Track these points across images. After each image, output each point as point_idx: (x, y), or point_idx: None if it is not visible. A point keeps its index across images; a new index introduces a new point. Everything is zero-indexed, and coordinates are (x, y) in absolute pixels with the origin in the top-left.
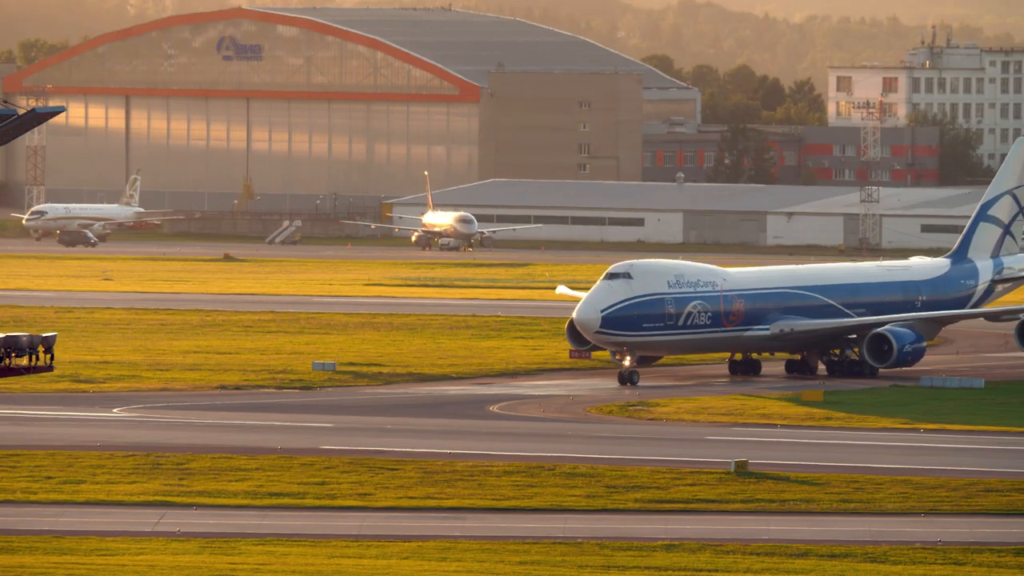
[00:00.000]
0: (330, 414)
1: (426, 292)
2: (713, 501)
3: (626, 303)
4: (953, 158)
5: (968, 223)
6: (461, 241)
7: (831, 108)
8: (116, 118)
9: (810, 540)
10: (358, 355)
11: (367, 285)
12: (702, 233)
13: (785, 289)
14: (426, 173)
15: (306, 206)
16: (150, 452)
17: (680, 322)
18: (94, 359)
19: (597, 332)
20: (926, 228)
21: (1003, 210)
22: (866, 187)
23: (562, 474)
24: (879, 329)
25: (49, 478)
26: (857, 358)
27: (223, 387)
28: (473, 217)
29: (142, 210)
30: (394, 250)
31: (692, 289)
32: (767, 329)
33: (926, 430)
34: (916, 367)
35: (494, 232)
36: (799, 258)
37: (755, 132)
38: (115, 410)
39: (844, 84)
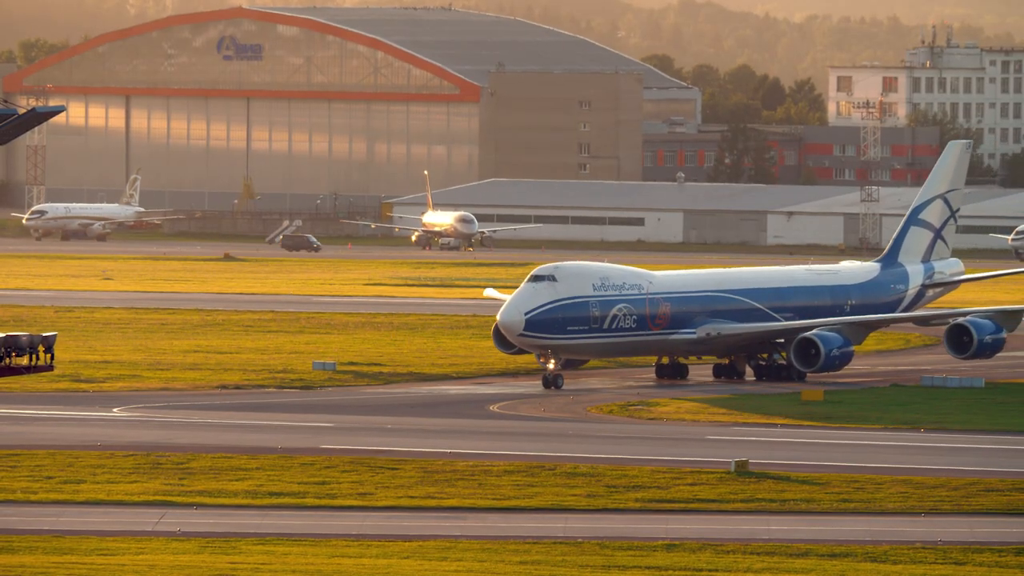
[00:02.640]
0: (330, 414)
1: (426, 292)
2: (713, 501)
3: (550, 306)
4: None
5: (899, 227)
6: (461, 241)
7: (831, 108)
8: (116, 118)
9: (810, 540)
10: (358, 355)
11: (367, 285)
12: (702, 233)
13: (712, 292)
14: (426, 173)
15: (306, 206)
16: (150, 452)
17: (605, 325)
18: (94, 359)
19: (521, 335)
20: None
21: (934, 214)
22: (866, 187)
23: (562, 474)
24: (807, 333)
25: (49, 478)
26: (785, 362)
27: (223, 387)
28: (473, 217)
29: (142, 210)
30: (394, 250)
31: (618, 292)
32: (694, 333)
33: (926, 430)
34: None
35: (494, 232)
36: (800, 257)
37: (755, 132)
38: (115, 410)
39: (844, 84)
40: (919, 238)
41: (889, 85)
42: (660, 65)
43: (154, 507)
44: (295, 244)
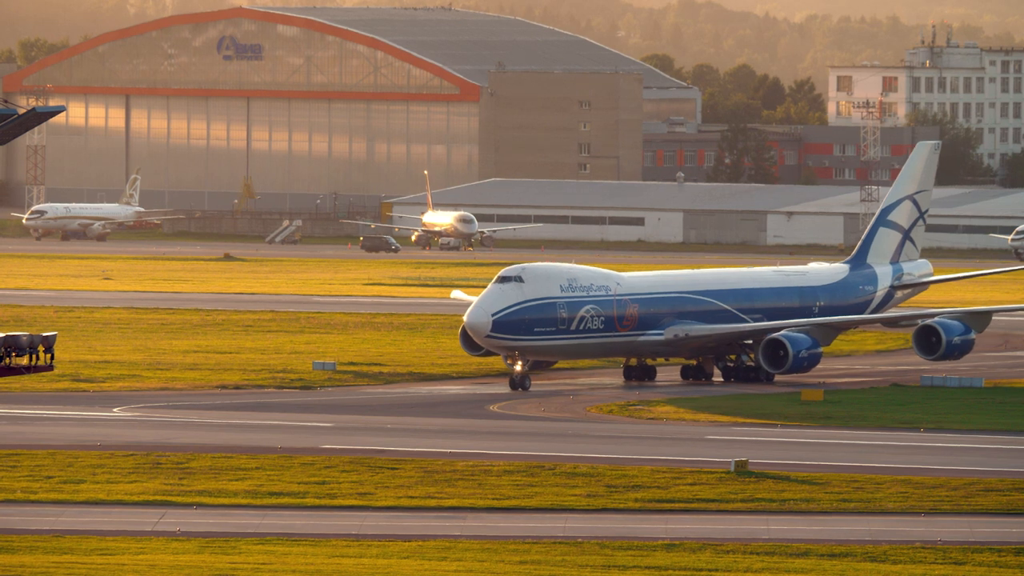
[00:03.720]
0: (330, 414)
1: (426, 292)
2: (713, 501)
3: (518, 307)
4: (953, 158)
5: (867, 228)
6: (461, 241)
7: (831, 108)
8: (116, 118)
9: (810, 540)
10: (358, 355)
11: (367, 285)
12: (702, 232)
13: (680, 294)
14: (426, 173)
15: (306, 205)
16: (150, 452)
17: (573, 326)
18: (94, 359)
19: (488, 336)
20: (926, 228)
21: (903, 215)
22: (866, 186)
23: (562, 473)
24: (775, 335)
25: (49, 478)
26: (753, 364)
27: (223, 387)
28: (473, 217)
29: (142, 209)
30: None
31: (585, 293)
32: (661, 334)
33: (926, 430)
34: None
35: (494, 232)
36: (800, 257)
37: (755, 132)
38: (115, 410)
39: (844, 84)
40: (888, 239)
41: (889, 85)
42: (660, 65)
43: (154, 507)
44: (374, 245)
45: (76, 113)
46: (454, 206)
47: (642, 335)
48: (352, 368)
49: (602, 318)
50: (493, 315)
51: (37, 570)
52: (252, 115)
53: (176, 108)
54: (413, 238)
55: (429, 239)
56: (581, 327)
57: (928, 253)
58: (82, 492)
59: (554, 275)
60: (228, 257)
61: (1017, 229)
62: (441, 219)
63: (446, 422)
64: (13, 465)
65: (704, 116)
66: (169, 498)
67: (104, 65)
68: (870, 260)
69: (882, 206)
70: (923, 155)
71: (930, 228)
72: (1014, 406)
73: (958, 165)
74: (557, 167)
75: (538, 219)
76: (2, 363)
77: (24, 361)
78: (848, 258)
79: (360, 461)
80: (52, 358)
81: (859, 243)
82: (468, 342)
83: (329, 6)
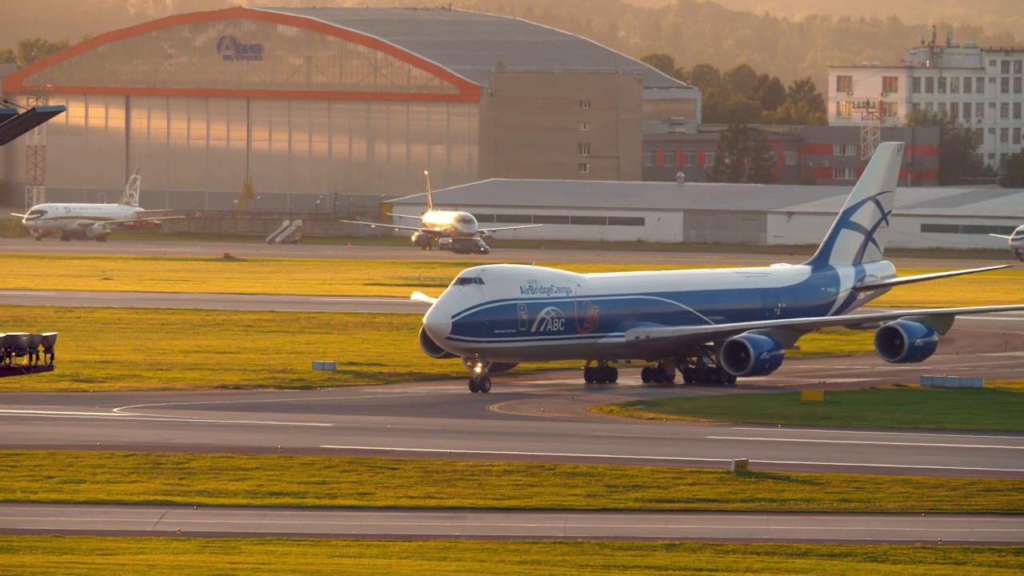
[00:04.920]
0: (330, 414)
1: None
2: (713, 501)
3: (477, 309)
4: (953, 158)
5: (830, 229)
6: (464, 242)
7: (831, 108)
8: (116, 118)
9: (810, 540)
10: (358, 355)
11: (367, 285)
12: (702, 233)
13: (641, 295)
14: (426, 173)
15: (306, 206)
16: (150, 452)
17: (533, 328)
18: (94, 359)
19: (448, 338)
20: (926, 228)
21: (866, 216)
22: None
23: (562, 473)
24: (736, 336)
25: (49, 478)
26: (715, 366)
27: (223, 387)
28: (473, 217)
29: (142, 210)
30: (394, 250)
31: (546, 295)
32: (622, 336)
33: (926, 430)
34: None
35: (494, 232)
36: (799, 257)
37: (755, 132)
38: (115, 410)
39: (844, 84)
40: (850, 241)
41: (889, 85)
42: (660, 65)
43: (154, 507)
44: (463, 247)
45: (76, 113)
46: (454, 206)
47: (603, 337)
48: (352, 368)
49: (562, 320)
50: (453, 317)
51: (37, 570)
52: (252, 115)
53: (176, 108)
54: (413, 238)
55: (429, 239)
56: (541, 329)
57: (928, 253)
58: (82, 492)
59: (514, 277)
60: (228, 257)
61: (1017, 229)
62: (441, 219)
63: (446, 422)
64: (13, 465)
65: (704, 116)
66: (169, 498)
67: (104, 65)
68: (832, 261)
69: (844, 207)
70: (886, 156)
71: (930, 228)
72: (1014, 406)
73: (958, 165)
74: (557, 167)
75: (538, 219)
76: (2, 363)
77: (24, 361)
78: (810, 259)
79: (360, 461)
80: (52, 358)
81: (821, 244)
82: (428, 344)
83: (329, 6)
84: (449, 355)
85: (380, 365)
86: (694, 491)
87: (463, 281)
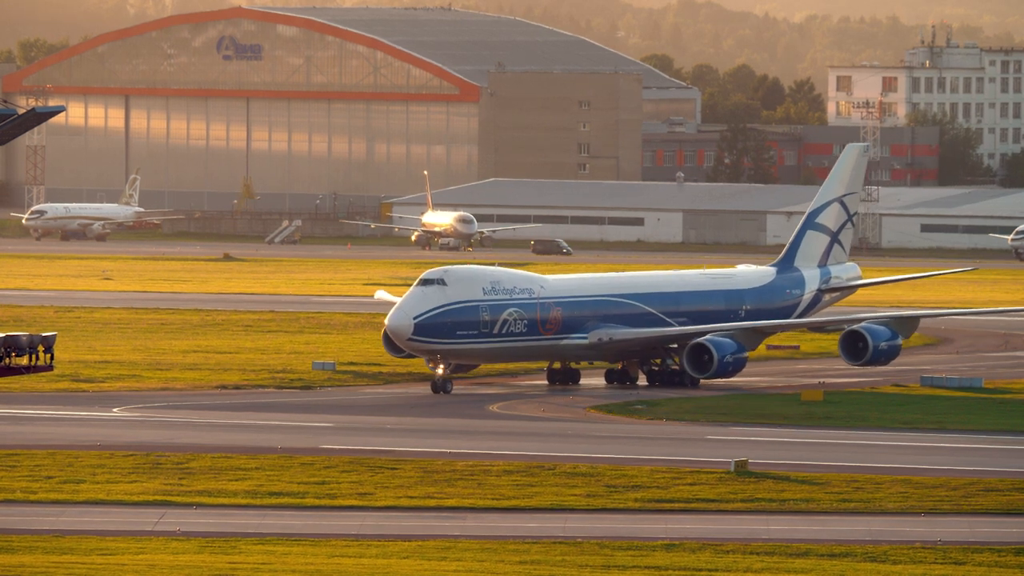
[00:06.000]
0: (330, 414)
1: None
2: (713, 501)
3: (439, 310)
4: (953, 158)
5: (795, 231)
6: (461, 241)
7: (831, 108)
8: (116, 118)
9: (810, 540)
10: (358, 355)
11: (367, 285)
12: (702, 233)
13: (604, 297)
14: (426, 173)
15: (306, 206)
16: (150, 452)
17: (495, 330)
18: (94, 359)
19: (409, 339)
20: (926, 228)
21: (831, 218)
22: (866, 187)
23: (562, 473)
24: (699, 339)
25: (49, 478)
26: (678, 368)
27: (223, 387)
28: (473, 217)
29: (142, 210)
30: (394, 250)
31: (508, 296)
32: (585, 338)
33: (926, 430)
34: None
35: (494, 232)
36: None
37: (755, 132)
38: (115, 410)
39: (844, 84)
40: (816, 242)
41: (889, 85)
42: (660, 65)
43: (154, 507)
44: (545, 248)
45: (76, 113)
46: (454, 206)
47: (565, 339)
48: (352, 368)
49: (525, 321)
50: (415, 318)
51: (37, 570)
52: (252, 115)
53: (176, 108)
54: (413, 238)
55: (429, 239)
56: (504, 330)
57: (928, 253)
58: (82, 492)
59: (477, 278)
60: (228, 257)
61: (1017, 229)
62: (441, 219)
63: (446, 422)
64: (13, 465)
65: (704, 116)
66: (169, 498)
67: (104, 65)
68: (797, 263)
69: (810, 209)
70: (852, 157)
71: (930, 228)
72: (1014, 406)
73: (958, 165)
74: (557, 167)
75: (537, 219)
76: (2, 363)
77: (24, 361)
78: (775, 261)
79: (360, 461)
80: (52, 358)
81: (787, 246)
82: (391, 345)
83: (329, 6)
84: (411, 356)
85: (380, 365)
86: (694, 491)
87: (425, 282)
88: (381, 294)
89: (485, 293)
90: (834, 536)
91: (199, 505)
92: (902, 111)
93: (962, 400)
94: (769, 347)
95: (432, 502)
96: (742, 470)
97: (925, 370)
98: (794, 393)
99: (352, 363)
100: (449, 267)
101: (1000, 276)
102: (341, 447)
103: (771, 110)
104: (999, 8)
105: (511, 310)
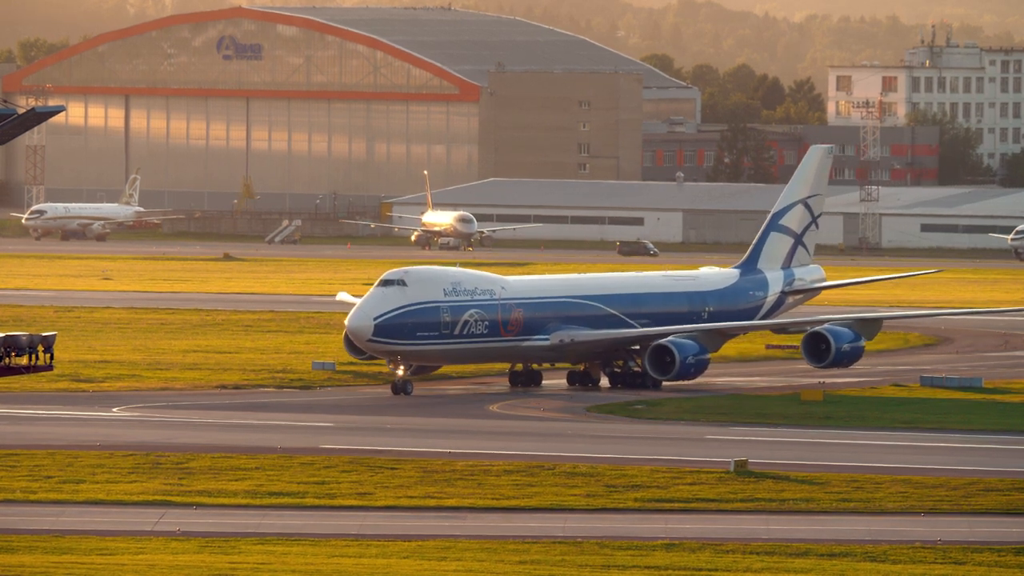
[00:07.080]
0: (330, 414)
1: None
2: (713, 500)
3: (400, 311)
4: (953, 157)
5: (759, 232)
6: (461, 240)
7: (831, 107)
8: (116, 118)
9: (810, 539)
10: None
11: (366, 285)
12: (702, 232)
13: (566, 298)
14: (425, 172)
15: (306, 205)
16: (150, 452)
17: (456, 331)
18: (94, 358)
19: (369, 340)
20: (925, 227)
21: (795, 220)
22: (866, 186)
23: (562, 473)
24: (661, 341)
25: (49, 478)
26: (640, 370)
27: (223, 387)
28: (473, 216)
29: (142, 209)
30: (394, 250)
31: (469, 297)
32: (547, 339)
33: (926, 430)
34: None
35: (494, 231)
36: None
37: (755, 131)
38: (115, 410)
39: (844, 83)
40: (779, 244)
41: (889, 85)
42: (660, 65)
43: (154, 507)
44: (632, 250)
45: (76, 113)
46: (454, 206)
47: (527, 340)
48: (352, 368)
49: (486, 323)
50: (375, 319)
51: (37, 570)
52: (252, 115)
53: (176, 108)
54: (413, 238)
55: (429, 239)
56: (465, 332)
57: (928, 253)
58: (82, 492)
59: (438, 279)
60: (228, 257)
61: (1017, 229)
62: (441, 219)
63: (446, 422)
64: (13, 465)
65: (704, 116)
66: (169, 498)
67: (104, 65)
68: (761, 265)
69: (773, 210)
70: (816, 159)
71: (930, 228)
72: (1014, 406)
73: (958, 165)
74: (557, 167)
75: (537, 219)
76: (2, 363)
77: (24, 361)
78: (739, 263)
79: (360, 461)
80: (52, 358)
81: (750, 248)
82: (351, 346)
83: (329, 6)
84: (372, 357)
85: (380, 365)
86: (694, 491)
87: (386, 283)
88: (343, 295)
89: (446, 294)
90: (834, 536)
91: (199, 505)
92: (902, 111)
93: (962, 400)
94: (769, 347)
95: (432, 502)
96: (742, 470)
97: (925, 370)
98: (794, 393)
99: (352, 363)
100: (409, 268)
101: (1000, 276)
102: (341, 447)
103: (771, 110)
104: (999, 8)
105: (472, 311)
